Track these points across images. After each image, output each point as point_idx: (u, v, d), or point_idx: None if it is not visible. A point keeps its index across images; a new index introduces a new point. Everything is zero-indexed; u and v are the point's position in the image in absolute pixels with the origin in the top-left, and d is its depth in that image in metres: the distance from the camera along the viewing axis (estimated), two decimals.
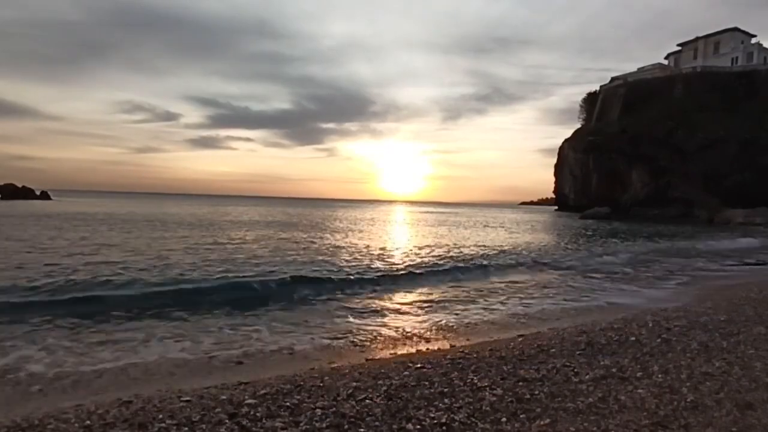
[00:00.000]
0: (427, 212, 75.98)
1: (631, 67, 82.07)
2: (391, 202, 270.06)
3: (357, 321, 7.54)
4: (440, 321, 7.61)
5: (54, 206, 46.70)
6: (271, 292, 9.40)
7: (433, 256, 16.00)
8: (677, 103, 61.53)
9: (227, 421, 3.34)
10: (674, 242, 24.65)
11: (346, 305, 8.65)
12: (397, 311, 8.34)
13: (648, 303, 9.23)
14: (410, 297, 9.67)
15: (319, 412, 3.50)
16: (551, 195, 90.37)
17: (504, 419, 3.40)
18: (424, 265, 13.94)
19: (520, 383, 4.17)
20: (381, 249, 18.06)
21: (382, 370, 4.59)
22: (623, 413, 3.51)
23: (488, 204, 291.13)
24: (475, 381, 4.21)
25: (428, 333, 6.90)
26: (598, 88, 77.68)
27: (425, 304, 8.93)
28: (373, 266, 13.31)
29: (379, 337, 6.64)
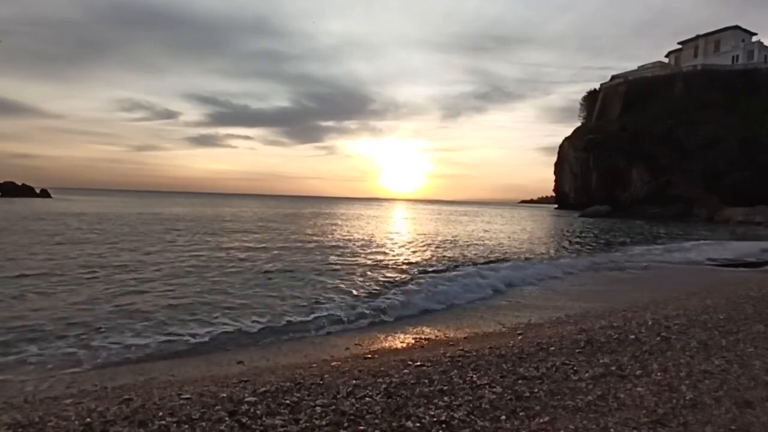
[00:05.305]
0: (431, 211, 75.90)
1: (630, 65, 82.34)
2: (391, 200, 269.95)
3: (357, 317, 7.54)
4: (441, 320, 7.62)
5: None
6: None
7: (432, 256, 16.02)
8: (678, 102, 61.52)
9: (227, 418, 3.35)
10: None
11: (347, 304, 8.65)
12: (398, 309, 8.34)
13: None
14: (410, 296, 9.66)
15: (318, 409, 3.50)
16: (551, 193, 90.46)
17: (503, 417, 3.40)
18: (425, 264, 13.97)
19: (520, 381, 4.17)
20: (384, 247, 18.08)
21: (382, 368, 4.60)
22: (622, 411, 3.51)
23: (488, 202, 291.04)
24: (475, 379, 4.22)
25: (428, 331, 6.91)
26: (598, 87, 77.66)
27: (426, 302, 8.93)
28: (374, 265, 13.33)
29: (379, 335, 6.65)
